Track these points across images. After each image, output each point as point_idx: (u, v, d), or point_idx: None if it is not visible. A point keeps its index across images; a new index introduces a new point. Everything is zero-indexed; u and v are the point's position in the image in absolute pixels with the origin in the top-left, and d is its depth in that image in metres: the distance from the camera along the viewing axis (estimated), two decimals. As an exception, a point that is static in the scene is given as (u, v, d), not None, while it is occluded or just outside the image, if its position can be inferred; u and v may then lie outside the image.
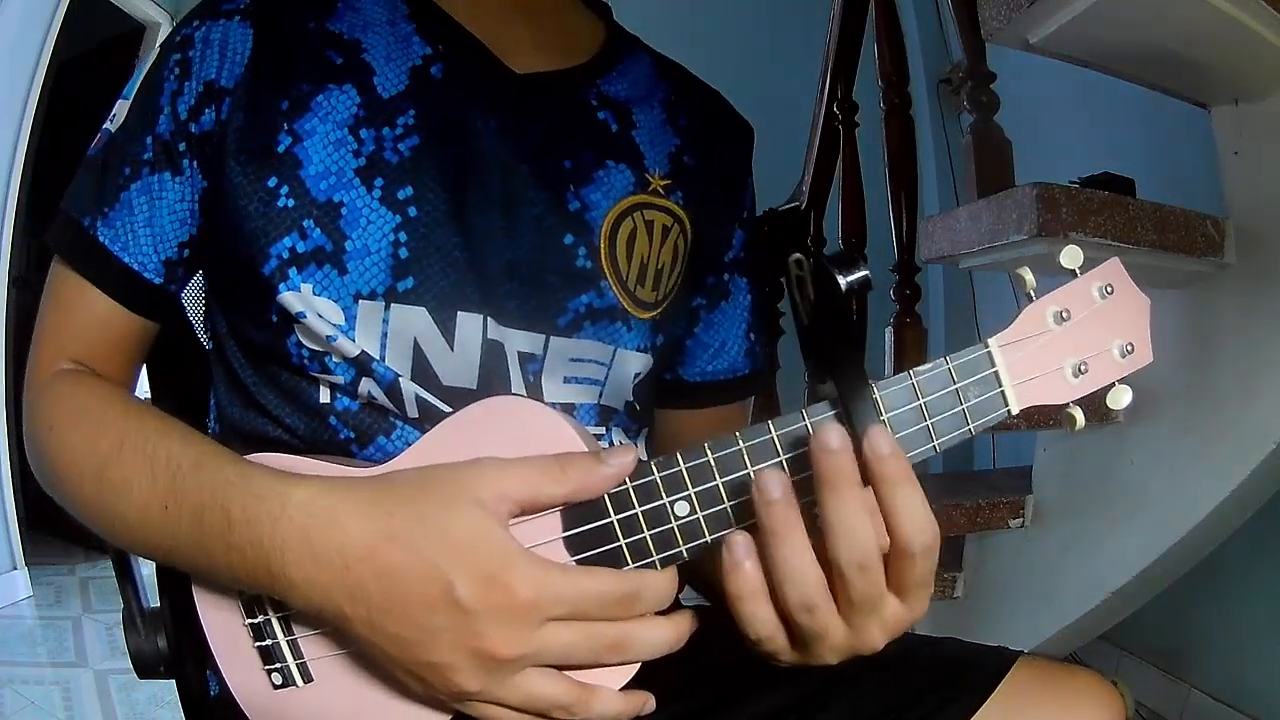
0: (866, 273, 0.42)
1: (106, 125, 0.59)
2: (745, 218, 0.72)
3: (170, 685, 0.66)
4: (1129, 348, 0.45)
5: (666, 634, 0.45)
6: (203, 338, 0.69)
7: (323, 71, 0.56)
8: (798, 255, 0.46)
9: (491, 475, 0.44)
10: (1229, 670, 1.68)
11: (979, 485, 1.60)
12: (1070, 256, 0.44)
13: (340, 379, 0.55)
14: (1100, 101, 2.12)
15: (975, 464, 2.91)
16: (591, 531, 0.45)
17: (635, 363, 0.61)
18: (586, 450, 0.46)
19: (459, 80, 0.59)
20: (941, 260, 1.46)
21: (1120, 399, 0.45)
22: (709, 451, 0.44)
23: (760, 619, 0.43)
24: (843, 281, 0.42)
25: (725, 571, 0.42)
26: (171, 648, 0.65)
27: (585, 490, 0.44)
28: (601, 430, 0.61)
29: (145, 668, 0.65)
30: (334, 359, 0.54)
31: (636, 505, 0.45)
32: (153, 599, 0.67)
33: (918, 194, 1.71)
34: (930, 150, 3.09)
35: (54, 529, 2.98)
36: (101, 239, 0.56)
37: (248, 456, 0.50)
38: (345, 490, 0.44)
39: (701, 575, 0.61)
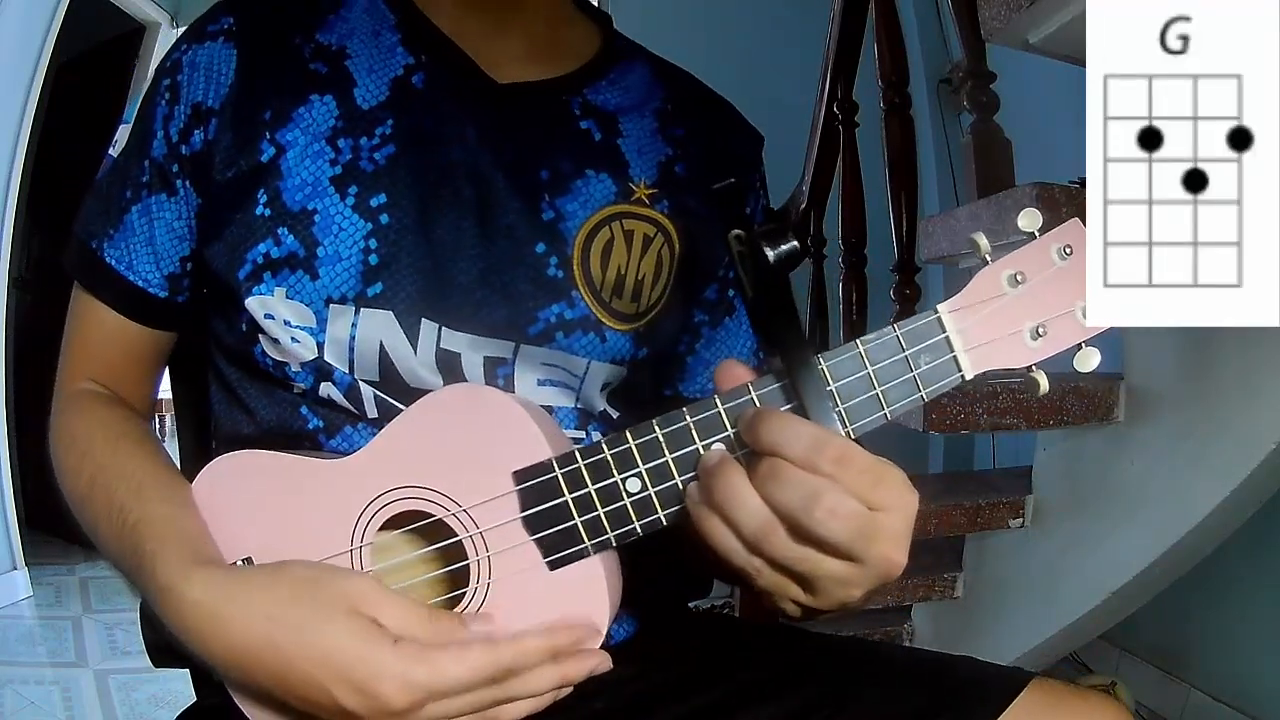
0: (794, 244, 0.43)
1: (110, 152, 0.62)
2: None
3: (169, 686, 0.67)
4: None
5: (551, 678, 0.47)
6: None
7: (305, 83, 0.57)
8: (737, 231, 0.46)
9: (370, 597, 0.45)
10: (1229, 670, 1.68)
11: (979, 485, 1.60)
12: (1028, 219, 0.44)
13: (302, 386, 0.57)
14: (1100, 101, 2.12)
15: (975, 464, 2.92)
16: (547, 511, 0.47)
17: (609, 374, 0.61)
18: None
19: (438, 89, 0.59)
20: (941, 260, 1.46)
21: (1088, 361, 0.44)
22: (657, 428, 0.45)
23: (742, 560, 0.43)
24: (770, 254, 0.42)
25: (694, 520, 0.44)
26: None
27: (445, 642, 0.45)
28: (581, 435, 0.61)
29: (159, 656, 0.66)
30: (293, 368, 0.57)
31: (589, 483, 0.46)
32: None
33: (918, 194, 1.71)
34: (930, 150, 3.09)
35: (54, 529, 2.98)
36: (108, 259, 0.60)
37: (216, 459, 0.52)
38: (234, 591, 0.47)
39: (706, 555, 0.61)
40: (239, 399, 0.60)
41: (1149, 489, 1.29)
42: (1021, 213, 0.43)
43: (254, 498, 0.51)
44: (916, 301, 1.68)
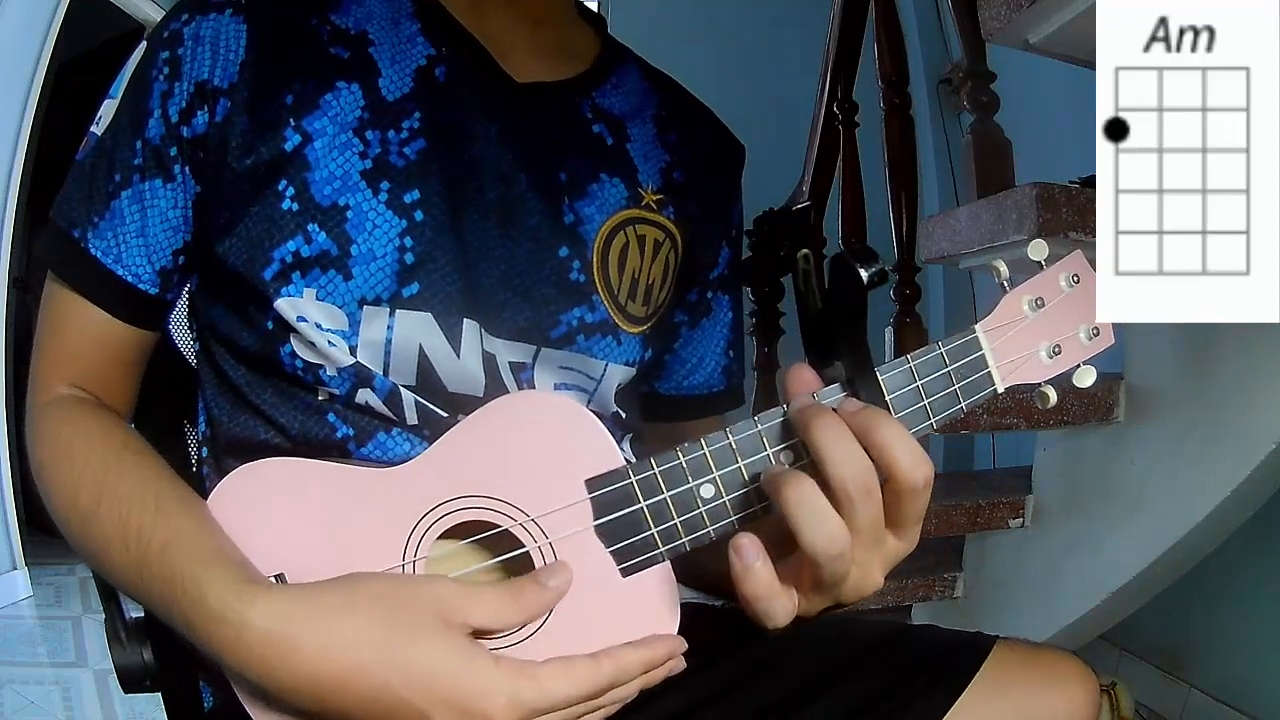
0: (884, 266, 0.45)
1: (93, 129, 0.57)
2: (734, 236, 0.72)
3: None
4: (1094, 331, 0.49)
5: (636, 686, 0.47)
6: (183, 342, 0.67)
7: (328, 68, 0.54)
8: (806, 250, 0.50)
9: (455, 600, 0.44)
10: (1229, 670, 1.67)
11: (979, 485, 1.60)
12: (1037, 250, 0.48)
13: (335, 391, 0.53)
14: (1100, 101, 2.12)
15: (975, 464, 2.92)
16: (622, 520, 0.47)
17: (622, 376, 0.61)
18: (531, 577, 0.46)
19: (462, 84, 0.57)
20: (941, 260, 1.46)
21: (1084, 379, 0.49)
22: (729, 435, 0.46)
23: (778, 610, 0.44)
24: (864, 274, 0.44)
25: (738, 577, 0.43)
26: (157, 659, 0.62)
27: (537, 613, 0.46)
28: None
29: (130, 681, 0.62)
30: (328, 371, 0.53)
31: (664, 490, 0.46)
32: (136, 608, 0.62)
33: (918, 194, 1.71)
34: (930, 150, 3.09)
35: (54, 529, 2.97)
36: (93, 251, 0.54)
37: (240, 469, 0.48)
38: (306, 614, 0.43)
39: (705, 577, 0.61)
40: (251, 405, 0.56)
41: (1149, 489, 1.29)
42: (1031, 244, 0.48)
43: (284, 510, 0.48)
44: (916, 302, 1.68)
